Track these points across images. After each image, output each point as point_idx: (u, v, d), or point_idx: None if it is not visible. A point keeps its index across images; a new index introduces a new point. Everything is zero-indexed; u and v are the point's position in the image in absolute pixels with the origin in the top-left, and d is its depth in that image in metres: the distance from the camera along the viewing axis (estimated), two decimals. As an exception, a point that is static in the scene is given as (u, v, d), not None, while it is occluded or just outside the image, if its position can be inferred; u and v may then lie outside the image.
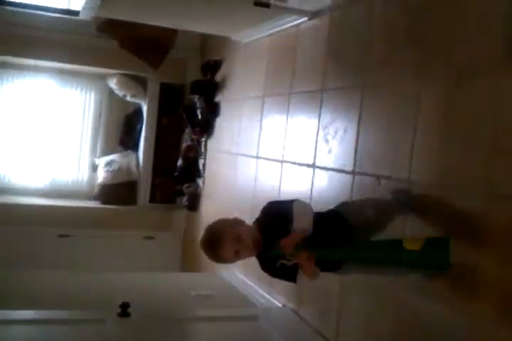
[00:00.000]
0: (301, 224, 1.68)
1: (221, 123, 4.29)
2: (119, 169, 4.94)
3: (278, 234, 1.66)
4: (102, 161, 5.09)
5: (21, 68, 4.92)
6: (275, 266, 1.72)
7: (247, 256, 1.77)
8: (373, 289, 2.25)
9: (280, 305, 3.02)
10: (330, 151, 2.68)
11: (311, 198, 2.77)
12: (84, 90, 5.22)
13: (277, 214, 1.75)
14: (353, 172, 2.46)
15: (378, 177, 2.27)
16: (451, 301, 1.84)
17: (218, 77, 4.40)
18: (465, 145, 1.86)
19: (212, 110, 4.32)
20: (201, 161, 4.53)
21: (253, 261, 3.38)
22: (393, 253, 1.64)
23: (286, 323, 2.77)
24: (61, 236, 4.58)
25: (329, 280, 2.54)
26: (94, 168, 5.14)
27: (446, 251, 1.59)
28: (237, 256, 1.73)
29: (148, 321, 2.58)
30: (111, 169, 4.93)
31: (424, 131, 2.06)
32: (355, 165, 2.45)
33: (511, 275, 1.64)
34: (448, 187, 1.91)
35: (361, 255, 1.68)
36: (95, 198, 5.00)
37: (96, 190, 5.02)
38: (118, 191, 4.91)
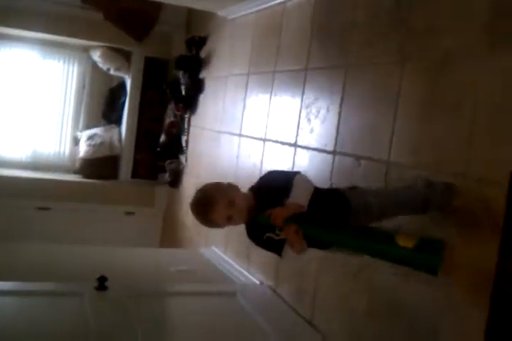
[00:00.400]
0: (298, 199, 1.60)
1: (205, 99, 4.26)
2: (102, 143, 4.90)
3: (273, 205, 1.59)
4: (84, 135, 5.04)
5: (3, 38, 4.83)
6: (262, 237, 1.66)
7: (239, 222, 1.70)
8: (350, 268, 2.28)
9: (258, 282, 3.05)
10: (312, 131, 2.69)
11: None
12: (67, 62, 5.14)
13: (276, 185, 1.68)
14: (333, 153, 2.47)
15: (358, 158, 2.28)
16: (427, 280, 1.87)
17: (203, 53, 4.36)
18: (444, 129, 1.88)
19: (197, 86, 4.29)
20: (184, 138, 4.51)
21: (233, 238, 3.42)
22: (383, 246, 1.58)
23: (263, 300, 2.81)
24: (41, 208, 4.57)
25: (307, 259, 2.58)
26: (76, 141, 5.10)
27: (439, 255, 1.52)
28: (229, 221, 1.66)
29: (125, 295, 2.59)
30: (93, 143, 4.90)
31: (404, 113, 2.08)
32: (336, 145, 2.46)
33: (482, 256, 1.68)
34: (425, 168, 1.93)
35: (351, 242, 1.63)
36: (77, 172, 4.97)
37: (77, 163, 4.99)
38: (100, 165, 4.88)
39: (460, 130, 1.80)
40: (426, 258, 1.52)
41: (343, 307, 2.34)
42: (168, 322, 2.59)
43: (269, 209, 1.59)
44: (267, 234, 1.64)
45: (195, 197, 1.72)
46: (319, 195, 1.68)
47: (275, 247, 1.68)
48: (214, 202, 1.64)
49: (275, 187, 1.67)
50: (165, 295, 2.79)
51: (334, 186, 1.87)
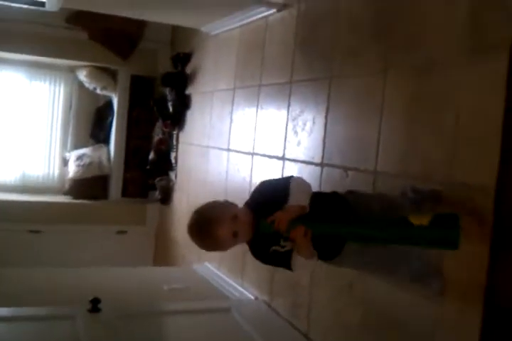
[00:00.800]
0: (298, 201, 1.54)
1: (192, 115, 4.26)
2: (91, 163, 4.88)
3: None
4: (72, 155, 5.02)
5: (-12, 61, 4.83)
6: (267, 252, 1.58)
7: (245, 238, 1.60)
8: (343, 281, 2.26)
9: (253, 297, 3.02)
10: (299, 143, 2.69)
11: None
12: (53, 83, 5.13)
13: (272, 194, 1.60)
14: (321, 164, 2.47)
15: (346, 169, 2.28)
16: (420, 292, 1.86)
17: (189, 69, 4.37)
18: (428, 137, 1.88)
19: (183, 102, 4.30)
20: (173, 154, 4.50)
21: (226, 253, 3.39)
22: (399, 229, 1.49)
23: (258, 315, 2.78)
24: (32, 231, 4.52)
25: (300, 273, 2.56)
26: (65, 162, 5.07)
27: (457, 228, 1.44)
28: (235, 238, 1.56)
29: (119, 316, 2.56)
30: (82, 163, 4.87)
31: (389, 123, 2.08)
32: (323, 157, 2.46)
33: (472, 264, 1.67)
34: (412, 177, 1.93)
35: (364, 231, 1.52)
36: (67, 193, 4.93)
37: (67, 184, 4.96)
38: (90, 185, 4.85)
39: (444, 137, 1.80)
40: (443, 232, 1.45)
41: (338, 320, 2.32)
42: (163, 342, 2.57)
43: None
44: (273, 248, 1.56)
45: (194, 217, 1.62)
46: (318, 196, 1.64)
47: (283, 261, 1.59)
48: (218, 218, 1.56)
49: (272, 196, 1.59)
50: (159, 314, 2.76)
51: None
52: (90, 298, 2.61)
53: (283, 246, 1.55)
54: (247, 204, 1.67)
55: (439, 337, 1.78)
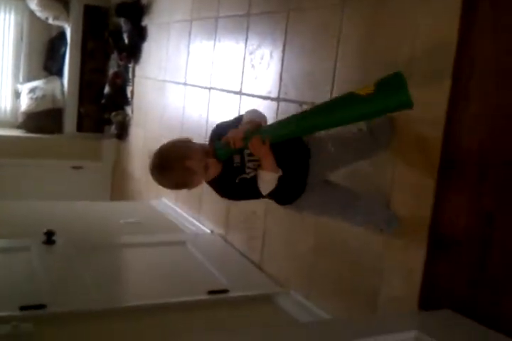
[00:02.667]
0: (252, 117, 1.58)
1: (149, 48, 4.14)
2: (44, 96, 4.73)
3: None
4: (25, 88, 4.86)
5: None
6: (235, 184, 1.58)
7: (214, 173, 1.56)
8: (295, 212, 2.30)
9: (209, 231, 3.07)
10: (256, 77, 2.65)
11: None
12: (2, 12, 4.88)
13: (227, 129, 1.58)
14: (277, 99, 2.46)
15: (301, 104, 2.28)
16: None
17: (145, -1, 4.20)
18: (382, 71, 1.87)
19: (140, 34, 4.15)
20: (129, 88, 4.39)
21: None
22: (350, 106, 1.47)
23: (214, 248, 2.84)
24: (-15, 166, 4.43)
25: (254, 205, 2.59)
26: (17, 94, 4.91)
27: (404, 85, 1.40)
28: (206, 171, 1.53)
29: (73, 248, 2.58)
30: (35, 96, 4.72)
31: (345, 57, 2.06)
32: (279, 91, 2.44)
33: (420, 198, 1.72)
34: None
35: (318, 121, 1.51)
36: (20, 126, 4.81)
37: (20, 118, 4.82)
38: (43, 119, 4.73)
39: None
40: (392, 92, 1.42)
41: (289, 250, 2.38)
42: (118, 272, 2.59)
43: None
44: (239, 177, 1.57)
45: (161, 153, 1.56)
46: None
47: (252, 188, 1.59)
48: (189, 150, 1.52)
49: (227, 130, 1.57)
50: (114, 247, 2.79)
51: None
52: (45, 231, 2.62)
53: (248, 173, 1.57)
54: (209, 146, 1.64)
55: (387, 260, 1.86)
